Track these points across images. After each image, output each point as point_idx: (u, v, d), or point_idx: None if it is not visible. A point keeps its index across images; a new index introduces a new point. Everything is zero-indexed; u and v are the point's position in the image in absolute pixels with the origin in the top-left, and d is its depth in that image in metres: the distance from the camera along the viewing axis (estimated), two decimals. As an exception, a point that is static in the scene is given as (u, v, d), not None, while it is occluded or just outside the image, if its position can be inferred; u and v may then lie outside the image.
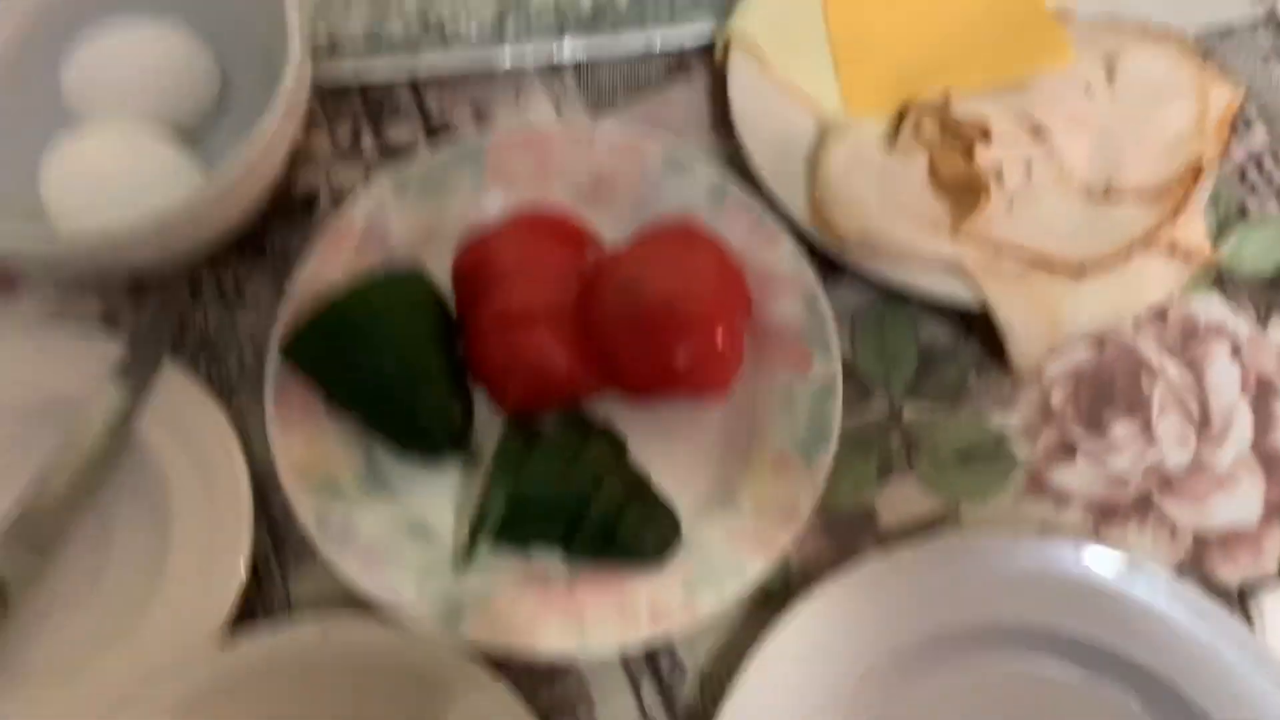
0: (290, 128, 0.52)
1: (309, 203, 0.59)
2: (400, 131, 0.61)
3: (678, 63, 0.64)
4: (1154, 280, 0.56)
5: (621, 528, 0.49)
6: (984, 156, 0.56)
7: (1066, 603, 0.49)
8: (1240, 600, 0.52)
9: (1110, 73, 0.60)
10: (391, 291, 0.53)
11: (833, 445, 0.52)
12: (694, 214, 0.57)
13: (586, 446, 0.50)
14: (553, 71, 0.63)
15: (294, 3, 0.52)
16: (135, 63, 0.56)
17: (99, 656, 0.49)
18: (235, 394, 0.55)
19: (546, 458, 0.49)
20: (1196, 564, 0.53)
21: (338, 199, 0.59)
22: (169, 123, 0.56)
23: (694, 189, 0.58)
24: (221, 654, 0.47)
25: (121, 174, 0.53)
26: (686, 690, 0.50)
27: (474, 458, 0.53)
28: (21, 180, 0.53)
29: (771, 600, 0.51)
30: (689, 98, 0.63)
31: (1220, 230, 0.60)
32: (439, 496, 0.53)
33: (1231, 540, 0.54)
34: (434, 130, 0.61)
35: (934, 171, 0.58)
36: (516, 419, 0.52)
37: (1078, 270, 0.55)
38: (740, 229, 0.56)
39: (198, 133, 0.57)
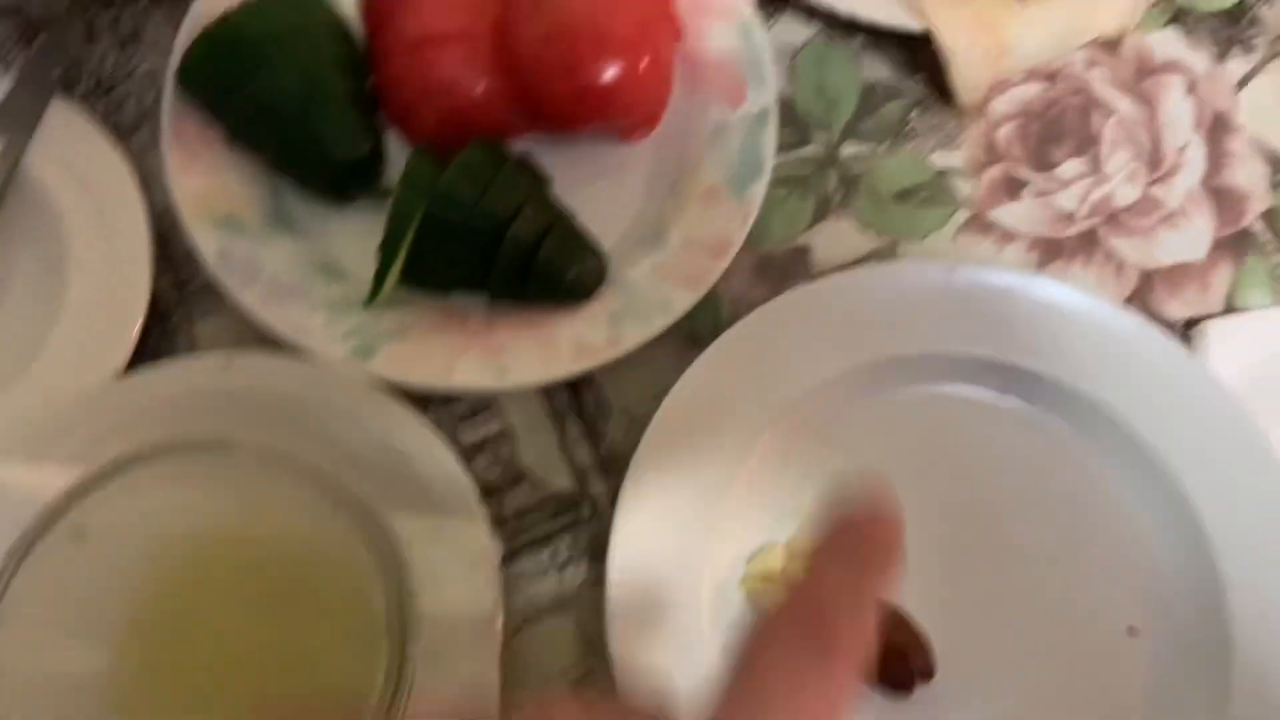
0: None
1: (208, -62, 0.55)
2: None
3: None
4: (1108, 5, 0.53)
5: (541, 257, 0.46)
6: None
7: (1002, 330, 0.47)
8: (1185, 334, 0.51)
9: None
10: (291, 9, 0.49)
11: (765, 176, 0.49)
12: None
13: (503, 171, 0.47)
14: None
15: None
16: None
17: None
18: (134, 135, 0.51)
19: (459, 179, 0.46)
20: (1142, 299, 0.51)
21: (239, -68, 0.55)
22: None
23: (623, -87, 0.53)
24: (122, 384, 0.45)
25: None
26: (611, 428, 0.48)
27: (382, 198, 0.50)
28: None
29: (700, 342, 0.49)
30: None
31: (1182, -37, 0.57)
32: (350, 236, 0.50)
33: (1179, 274, 0.52)
34: None
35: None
36: (428, 149, 0.49)
37: (1028, -9, 0.51)
38: (672, -47, 0.53)
39: None
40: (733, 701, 0.23)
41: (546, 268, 0.47)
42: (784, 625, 0.24)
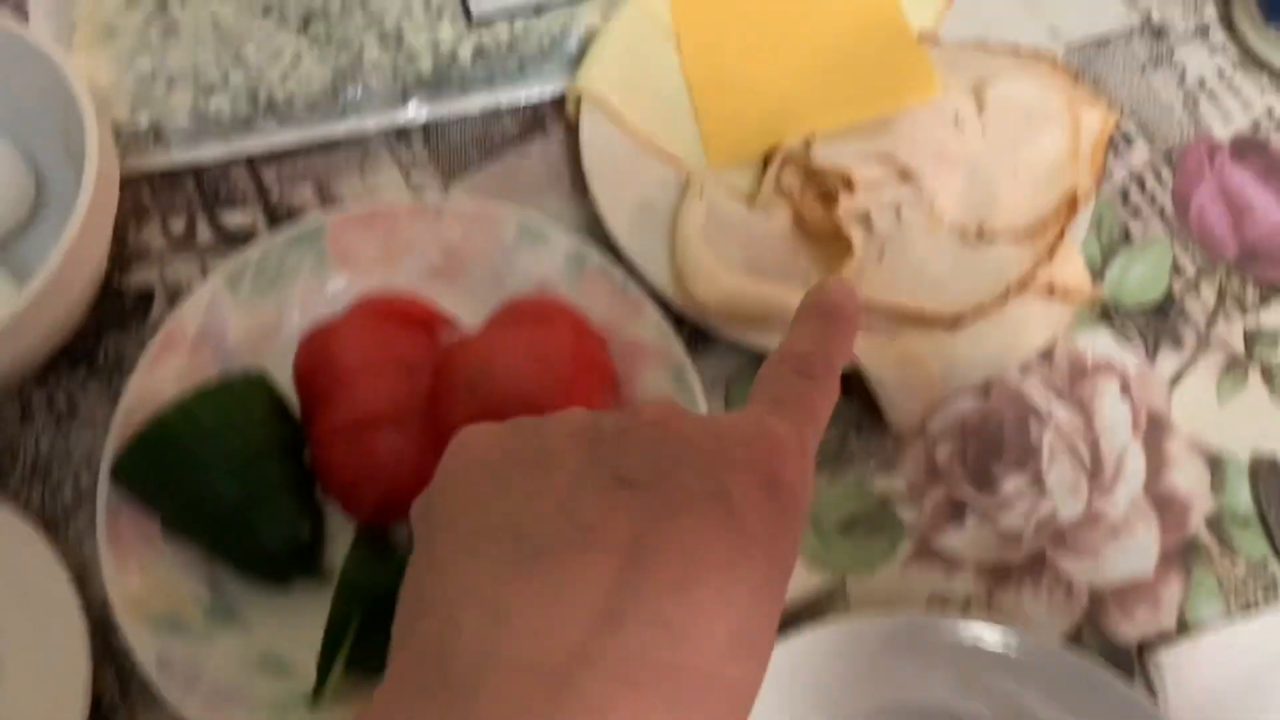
0: (101, 227, 0.49)
1: (144, 303, 0.55)
2: (237, 217, 0.58)
3: (532, 120, 0.61)
4: (1035, 324, 0.54)
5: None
6: (846, 206, 0.54)
7: (956, 679, 0.47)
8: (1140, 659, 0.50)
9: (980, 102, 0.57)
10: (224, 402, 0.49)
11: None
12: (552, 287, 0.54)
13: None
14: (399, 138, 0.60)
15: (87, 100, 0.48)
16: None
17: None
18: (71, 522, 0.51)
19: (402, 569, 0.45)
20: (1093, 623, 0.51)
21: (174, 297, 0.56)
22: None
23: (551, 259, 0.55)
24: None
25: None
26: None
27: (327, 578, 0.49)
28: None
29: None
30: (545, 157, 0.60)
31: (1104, 257, 0.58)
32: (292, 624, 0.49)
33: (1129, 594, 0.52)
34: (275, 214, 0.58)
35: (799, 224, 0.56)
36: (369, 529, 0.49)
37: (953, 322, 0.52)
38: (602, 299, 0.54)
39: (11, 242, 0.53)
40: (757, 402, 0.32)
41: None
42: (783, 363, 0.33)
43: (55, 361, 0.54)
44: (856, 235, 0.52)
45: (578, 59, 0.60)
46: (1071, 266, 0.54)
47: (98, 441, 0.53)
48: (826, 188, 0.55)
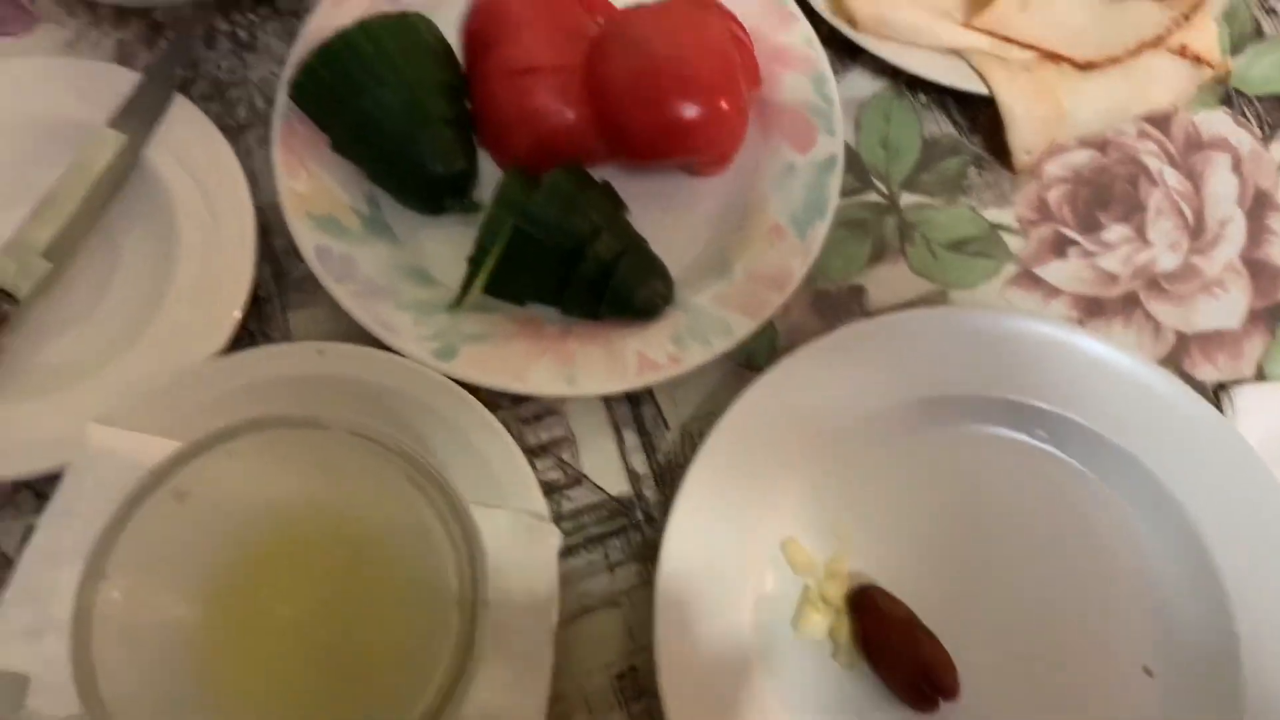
0: None
1: (325, -41, 0.59)
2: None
3: None
4: (1162, 81, 0.56)
5: (615, 277, 0.50)
6: (1002, -52, 0.56)
7: (1043, 379, 0.50)
8: (1215, 398, 0.53)
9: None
10: (396, 31, 0.53)
11: (828, 217, 0.52)
12: (708, -11, 0.57)
13: (587, 196, 0.50)
14: None
15: None
16: None
17: (100, 369, 0.50)
18: (243, 135, 0.55)
19: (548, 200, 0.49)
20: (1176, 361, 0.54)
21: (354, -44, 0.59)
22: None
23: (709, -36, 0.57)
24: (221, 364, 0.49)
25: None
26: (667, 441, 0.52)
27: (474, 210, 0.53)
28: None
29: (756, 367, 0.52)
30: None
31: (1233, 48, 0.60)
32: (440, 245, 0.54)
33: (1213, 341, 0.54)
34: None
35: (950, -39, 0.58)
36: (520, 171, 0.53)
37: (1086, 65, 0.55)
38: (754, 5, 0.57)
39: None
40: None
41: (620, 287, 0.50)
42: None
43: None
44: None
45: None
46: (1206, 34, 0.56)
47: (271, 71, 0.57)
48: (983, -70, 0.57)
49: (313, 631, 0.43)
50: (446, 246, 0.53)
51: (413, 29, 0.53)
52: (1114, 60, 0.55)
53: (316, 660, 0.43)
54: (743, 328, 0.51)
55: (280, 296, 0.53)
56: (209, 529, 0.43)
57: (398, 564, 0.43)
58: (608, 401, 0.52)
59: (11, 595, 0.44)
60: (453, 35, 0.55)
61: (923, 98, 0.58)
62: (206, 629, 0.43)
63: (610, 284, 0.50)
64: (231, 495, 0.43)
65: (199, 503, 0.42)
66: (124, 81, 0.53)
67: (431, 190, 0.53)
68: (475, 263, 0.50)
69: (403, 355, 0.49)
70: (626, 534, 0.50)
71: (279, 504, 0.44)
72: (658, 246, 0.53)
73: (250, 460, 0.43)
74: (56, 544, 0.45)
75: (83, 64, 0.55)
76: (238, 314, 0.50)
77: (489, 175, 0.55)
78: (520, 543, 0.46)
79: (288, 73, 0.53)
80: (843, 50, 0.57)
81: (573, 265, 0.50)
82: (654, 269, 0.51)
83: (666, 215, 0.54)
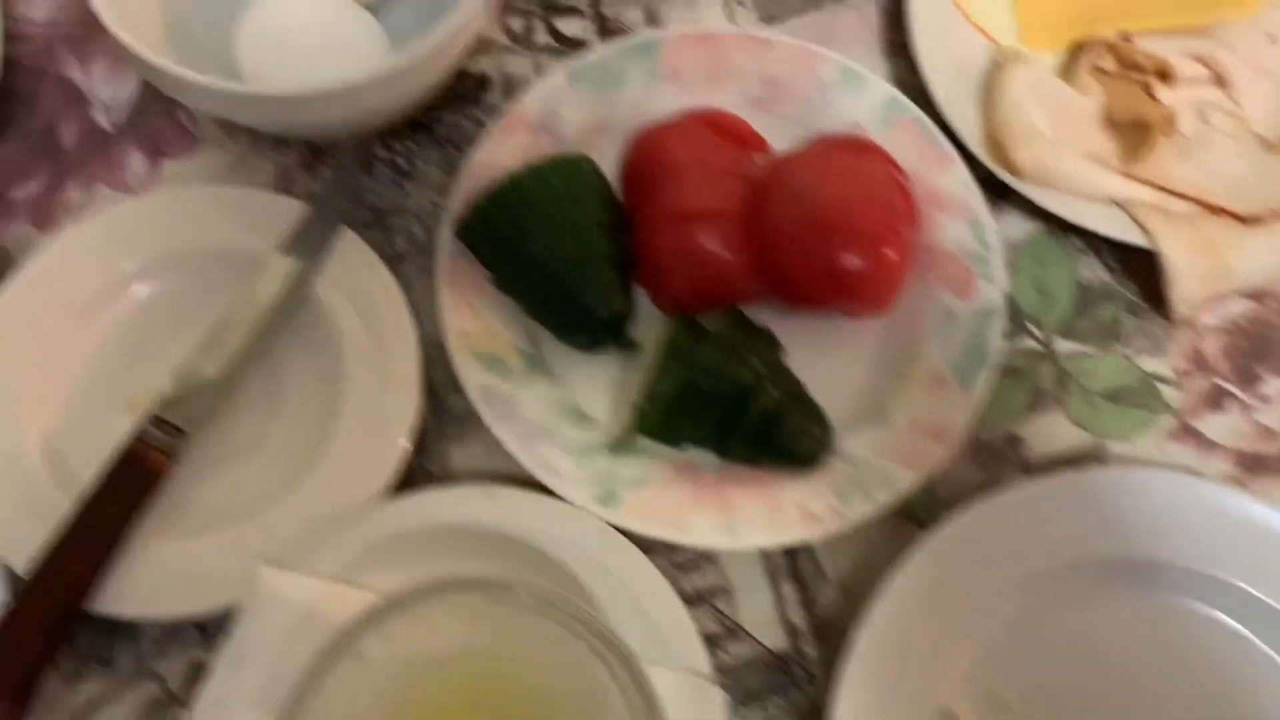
0: (484, 11, 0.53)
1: (479, 88, 0.60)
2: (573, 25, 0.62)
3: (850, -22, 0.63)
4: (1327, 238, 0.55)
5: (779, 428, 0.50)
6: (1163, 97, 0.56)
7: (1212, 544, 0.49)
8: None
9: (1296, 24, 0.59)
10: (563, 174, 0.53)
11: (991, 369, 0.52)
12: (864, 130, 0.57)
13: (751, 346, 0.51)
14: (727, -23, 0.63)
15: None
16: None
17: (266, 506, 0.50)
18: (403, 265, 0.56)
19: (715, 351, 0.50)
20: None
21: (508, 87, 0.60)
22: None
23: (866, 103, 0.58)
24: (387, 508, 0.49)
25: (313, 37, 0.54)
26: (825, 595, 0.51)
27: (632, 350, 0.53)
28: (216, 41, 0.54)
29: (913, 517, 0.52)
30: (861, 14, 0.63)
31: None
32: (596, 384, 0.54)
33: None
34: (605, 28, 0.62)
35: (1109, 108, 0.58)
36: (686, 317, 0.53)
37: (1253, 220, 0.54)
38: (910, 148, 0.57)
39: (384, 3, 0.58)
40: None
41: (783, 437, 0.50)
42: None
43: (398, 127, 0.58)
44: (1184, 122, 0.54)
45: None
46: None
47: (428, 200, 0.58)
48: (1142, 78, 0.57)
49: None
50: (603, 384, 0.54)
51: (578, 170, 0.54)
52: (1276, 214, 0.54)
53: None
54: (905, 481, 0.50)
55: (439, 429, 0.53)
56: (387, 687, 0.43)
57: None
58: (764, 550, 0.51)
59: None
60: (607, 167, 0.56)
61: (1077, 241, 0.58)
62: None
63: (773, 434, 0.50)
64: (411, 654, 0.43)
65: (381, 663, 0.42)
66: (289, 211, 0.54)
67: (592, 330, 0.53)
68: (642, 410, 0.50)
69: (565, 500, 0.49)
70: (787, 692, 0.49)
71: (456, 662, 0.44)
72: (814, 388, 0.53)
73: (432, 620, 0.43)
74: (231, 691, 0.46)
75: (249, 193, 0.55)
76: (405, 446, 0.50)
77: (643, 310, 0.55)
78: (687, 705, 0.46)
79: (451, 208, 0.54)
80: (994, 189, 0.57)
81: (736, 413, 0.50)
82: (815, 417, 0.51)
83: (823, 358, 0.54)
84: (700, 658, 0.47)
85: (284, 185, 0.57)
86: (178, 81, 0.48)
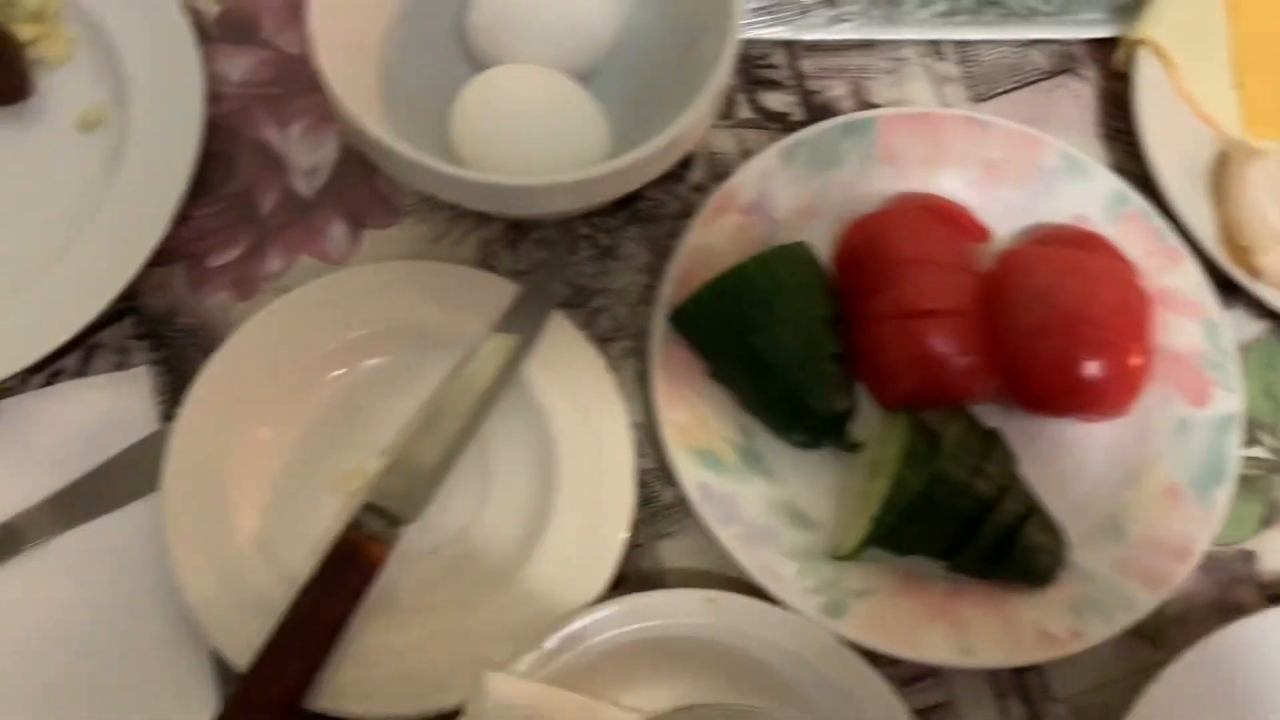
0: (716, 103, 0.51)
1: (683, 164, 0.58)
2: (776, 100, 0.60)
3: (1063, 57, 0.61)
4: None
5: (1016, 543, 0.48)
6: None
7: None
8: None
9: None
10: (788, 264, 0.52)
11: (1231, 482, 0.50)
12: (1089, 222, 0.55)
13: (986, 453, 0.48)
14: (935, 55, 0.61)
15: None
16: (542, 8, 0.54)
17: (479, 602, 0.49)
18: (608, 348, 0.54)
19: (954, 462, 0.48)
20: None
21: (711, 163, 0.58)
22: (568, 66, 0.55)
23: (1090, 194, 0.56)
24: (607, 612, 0.47)
25: (531, 119, 0.52)
26: (1054, 715, 0.49)
27: (854, 449, 0.52)
28: (430, 123, 0.53)
29: (1143, 634, 0.49)
30: (1076, 96, 0.60)
31: None
32: (815, 484, 0.52)
33: None
34: (811, 104, 0.60)
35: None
36: (919, 421, 0.51)
37: None
38: (1138, 243, 0.54)
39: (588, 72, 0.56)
40: None
41: (1021, 552, 0.48)
42: None
43: (598, 209, 0.57)
44: None
45: (1120, 4, 0.60)
46: None
47: (633, 280, 0.56)
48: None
49: None
50: (822, 484, 0.52)
51: (801, 260, 0.52)
52: None
53: None
54: (1146, 603, 0.49)
55: (647, 524, 0.52)
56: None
57: None
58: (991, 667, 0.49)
59: None
60: (822, 247, 0.55)
61: (1311, 343, 0.55)
62: None
63: (1010, 548, 0.48)
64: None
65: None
66: (499, 289, 0.53)
67: (815, 428, 0.51)
68: (876, 517, 0.48)
69: (787, 608, 0.47)
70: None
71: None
72: (1043, 495, 0.50)
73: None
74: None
75: (458, 270, 0.54)
76: (624, 539, 0.49)
77: (861, 405, 0.53)
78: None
79: (664, 293, 0.52)
80: (1221, 286, 0.54)
81: (972, 526, 0.48)
82: (1051, 530, 0.49)
83: (1051, 463, 0.52)
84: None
85: (485, 260, 0.56)
86: (399, 160, 0.47)
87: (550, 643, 0.47)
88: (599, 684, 0.46)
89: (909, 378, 0.51)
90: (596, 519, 0.50)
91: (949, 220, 0.54)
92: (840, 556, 0.49)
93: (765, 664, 0.47)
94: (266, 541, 0.49)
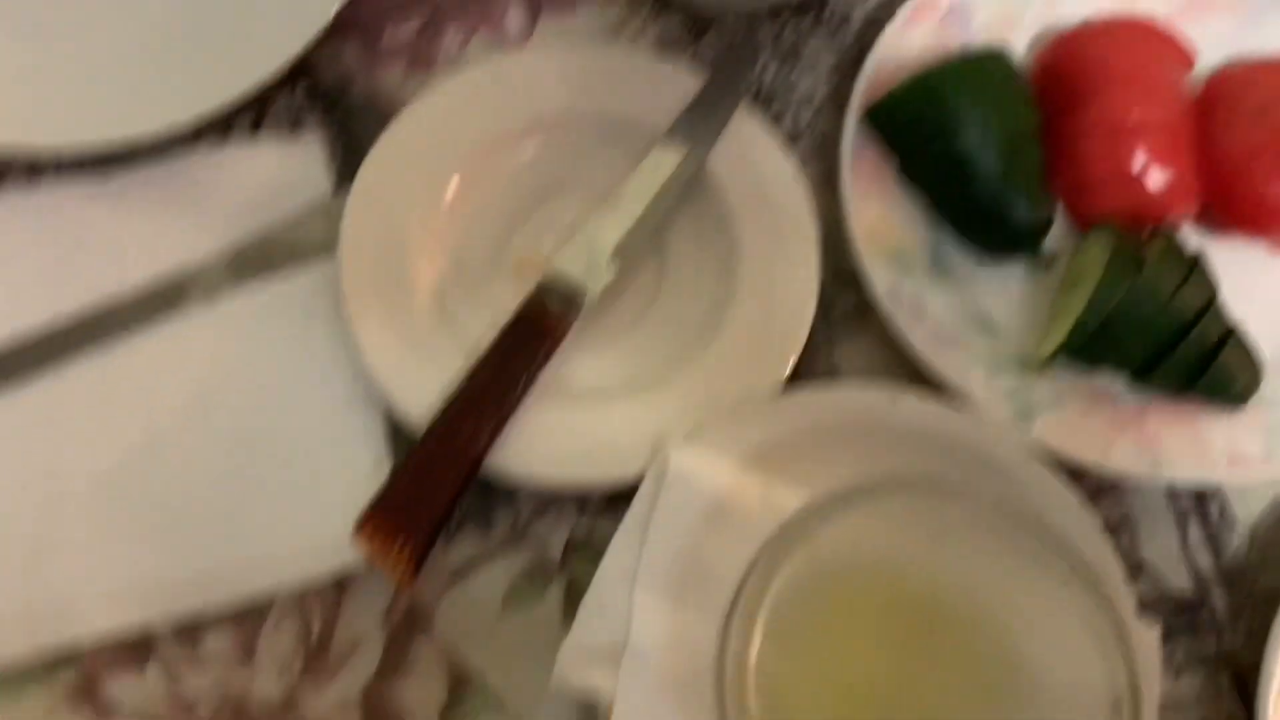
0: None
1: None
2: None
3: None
4: None
5: (1217, 361, 0.46)
6: None
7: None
8: None
9: None
10: (990, 74, 0.50)
11: None
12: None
13: (1193, 274, 0.47)
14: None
15: None
16: None
17: (651, 389, 0.48)
18: (790, 150, 0.52)
19: (1160, 276, 0.46)
20: None
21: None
22: None
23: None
24: (785, 402, 0.46)
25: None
26: (1233, 543, 0.48)
27: (1047, 262, 0.50)
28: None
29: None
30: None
31: None
32: (1001, 293, 0.51)
33: None
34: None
35: None
36: (1116, 231, 0.49)
37: None
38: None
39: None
40: None
41: (1221, 373, 0.47)
42: None
43: (782, 9, 0.55)
44: None
45: None
46: None
47: (815, 84, 0.54)
48: None
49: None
50: (1009, 294, 0.51)
51: (1004, 69, 0.51)
52: None
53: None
54: (1341, 433, 0.47)
55: (826, 328, 0.50)
56: (826, 583, 0.41)
57: (1027, 663, 0.40)
58: (1170, 488, 0.48)
59: (587, 613, 0.43)
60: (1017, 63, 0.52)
61: None
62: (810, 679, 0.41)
63: (1211, 368, 0.46)
64: (847, 551, 0.41)
65: (822, 556, 0.40)
66: (680, 81, 0.51)
67: (1011, 236, 0.50)
68: (1076, 324, 0.46)
69: (976, 411, 0.46)
70: (1191, 637, 0.46)
71: (887, 566, 0.41)
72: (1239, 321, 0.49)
73: (883, 518, 0.40)
74: (631, 564, 0.44)
75: (639, 58, 0.53)
76: (803, 338, 0.48)
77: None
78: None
79: (857, 94, 0.51)
80: None
81: (1171, 342, 0.46)
82: (1250, 355, 0.48)
83: (1248, 289, 0.50)
84: (1125, 592, 0.44)
85: (663, 54, 0.54)
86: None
87: (725, 427, 0.46)
88: (774, 472, 0.45)
89: (1112, 193, 0.49)
90: (776, 314, 0.49)
91: (1156, 41, 0.52)
92: (1035, 364, 0.48)
93: (946, 466, 0.46)
94: (446, 311, 0.49)
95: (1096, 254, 0.48)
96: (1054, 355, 0.47)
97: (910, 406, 0.47)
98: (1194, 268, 0.48)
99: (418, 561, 0.43)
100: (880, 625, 0.42)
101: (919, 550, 0.42)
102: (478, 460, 0.45)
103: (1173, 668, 0.46)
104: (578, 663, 0.42)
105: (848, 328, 0.51)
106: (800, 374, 0.49)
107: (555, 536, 0.47)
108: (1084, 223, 0.50)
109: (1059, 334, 0.47)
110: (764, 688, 0.38)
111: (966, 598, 0.41)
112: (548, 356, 0.47)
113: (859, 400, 0.47)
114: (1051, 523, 0.42)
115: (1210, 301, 0.47)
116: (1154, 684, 0.42)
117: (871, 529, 0.41)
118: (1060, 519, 0.45)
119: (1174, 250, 0.48)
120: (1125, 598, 0.43)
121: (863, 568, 0.42)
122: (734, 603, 0.39)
